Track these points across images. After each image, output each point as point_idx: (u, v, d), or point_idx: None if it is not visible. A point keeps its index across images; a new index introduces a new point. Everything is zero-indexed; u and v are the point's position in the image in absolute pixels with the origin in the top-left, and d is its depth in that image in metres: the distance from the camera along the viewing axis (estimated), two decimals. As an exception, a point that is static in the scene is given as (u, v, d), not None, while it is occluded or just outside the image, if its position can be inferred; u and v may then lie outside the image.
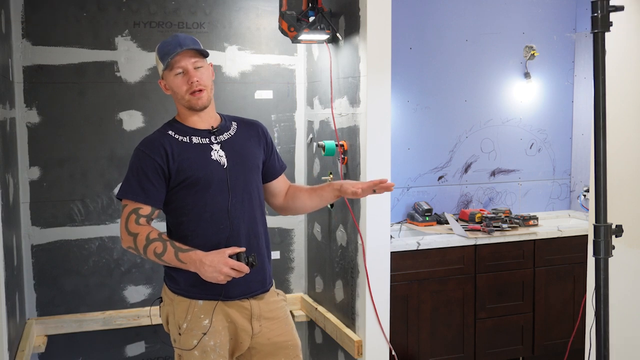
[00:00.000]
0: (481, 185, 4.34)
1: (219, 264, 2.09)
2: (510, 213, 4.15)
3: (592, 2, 1.74)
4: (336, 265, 3.37)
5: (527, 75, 4.35)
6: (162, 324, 2.36)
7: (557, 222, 4.23)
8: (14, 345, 2.88)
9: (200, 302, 2.23)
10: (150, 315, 3.09)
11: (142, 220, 2.17)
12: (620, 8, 1.74)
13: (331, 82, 3.30)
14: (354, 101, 3.08)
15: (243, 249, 2.16)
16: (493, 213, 4.09)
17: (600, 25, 1.73)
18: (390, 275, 3.12)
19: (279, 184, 2.49)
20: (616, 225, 1.78)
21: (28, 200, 3.34)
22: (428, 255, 3.63)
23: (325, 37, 3.19)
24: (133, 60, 3.44)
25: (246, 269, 2.13)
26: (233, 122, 2.38)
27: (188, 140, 2.25)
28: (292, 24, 3.08)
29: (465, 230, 3.81)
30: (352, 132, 3.11)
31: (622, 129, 2.47)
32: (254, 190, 2.31)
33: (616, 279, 2.33)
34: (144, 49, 3.45)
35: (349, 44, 3.11)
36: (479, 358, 3.80)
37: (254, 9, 3.63)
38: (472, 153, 4.29)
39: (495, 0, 4.25)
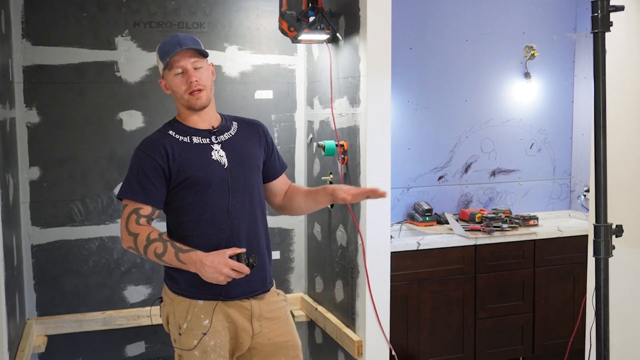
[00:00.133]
0: (481, 185, 4.34)
1: (219, 265, 2.09)
2: (511, 213, 4.15)
3: (592, 2, 1.74)
4: (336, 265, 3.37)
5: (527, 75, 4.35)
6: (162, 324, 2.36)
7: (557, 222, 4.23)
8: (14, 345, 2.88)
9: (201, 302, 2.23)
10: (151, 315, 3.08)
11: (143, 221, 2.17)
12: (620, 8, 1.74)
13: (331, 82, 3.30)
14: (354, 101, 3.08)
15: (243, 250, 2.16)
16: (493, 213, 4.09)
17: (600, 25, 1.73)
18: (390, 275, 3.12)
19: (280, 184, 2.49)
20: (616, 225, 1.78)
21: (28, 200, 3.34)
22: (428, 255, 3.63)
23: (325, 37, 3.19)
24: (133, 60, 3.44)
25: (246, 270, 2.13)
26: (234, 122, 2.38)
27: (188, 140, 2.25)
28: (292, 24, 3.08)
29: (466, 230, 3.81)
30: (352, 132, 3.11)
31: (622, 129, 2.47)
32: (254, 190, 2.31)
33: (616, 279, 2.33)
34: (144, 49, 3.45)
35: (349, 44, 3.11)
36: (479, 358, 3.80)
37: (254, 9, 3.63)
38: (472, 153, 4.29)
39: (495, 0, 4.25)
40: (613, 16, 1.73)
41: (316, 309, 3.58)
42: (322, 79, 3.47)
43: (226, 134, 2.32)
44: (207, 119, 2.30)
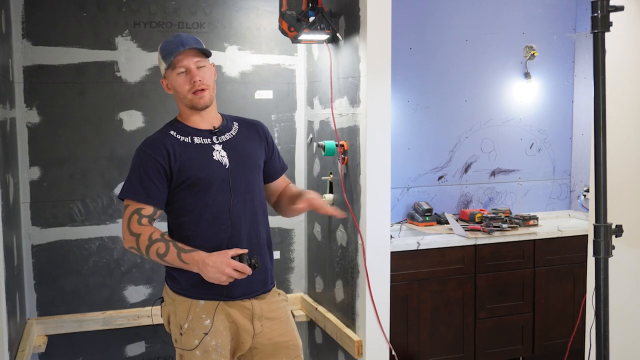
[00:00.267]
0: (481, 185, 4.34)
1: (221, 265, 2.09)
2: (510, 213, 4.15)
3: (592, 2, 1.74)
4: (336, 265, 3.37)
5: (527, 75, 4.35)
6: (163, 324, 2.37)
7: (557, 222, 4.23)
8: (14, 345, 2.88)
9: (202, 302, 2.23)
10: (152, 315, 3.08)
11: (145, 221, 2.17)
12: (620, 8, 1.74)
13: (331, 82, 3.30)
14: (354, 101, 3.08)
15: (245, 250, 2.17)
16: (493, 213, 4.09)
17: (600, 25, 1.73)
18: (390, 275, 3.12)
19: (280, 185, 2.49)
20: (616, 225, 1.78)
21: (28, 200, 3.34)
22: (428, 255, 3.63)
23: (325, 37, 3.19)
24: (133, 60, 3.44)
25: (249, 271, 2.14)
26: (235, 123, 2.38)
27: (190, 141, 2.25)
28: (292, 24, 3.08)
29: (465, 230, 3.81)
30: (352, 132, 3.11)
31: (622, 129, 2.47)
32: (255, 190, 2.31)
33: (616, 279, 2.33)
34: (144, 49, 3.45)
35: (349, 44, 3.11)
36: (479, 358, 3.80)
37: (254, 9, 3.63)
38: (472, 153, 4.29)
39: (495, 0, 4.25)
40: (613, 16, 1.73)
41: (316, 309, 3.58)
42: (322, 79, 3.47)
43: (227, 134, 2.32)
44: (209, 119, 2.30)
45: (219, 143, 2.28)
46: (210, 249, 2.16)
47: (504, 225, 3.87)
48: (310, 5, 3.08)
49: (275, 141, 3.68)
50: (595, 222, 1.78)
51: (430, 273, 3.64)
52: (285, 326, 2.37)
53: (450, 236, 3.74)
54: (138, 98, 3.46)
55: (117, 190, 3.43)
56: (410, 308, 3.61)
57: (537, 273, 3.89)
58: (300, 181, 3.78)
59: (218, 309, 2.23)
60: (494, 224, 3.86)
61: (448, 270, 3.68)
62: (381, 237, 3.05)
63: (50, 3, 3.29)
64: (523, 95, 4.39)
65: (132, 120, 3.46)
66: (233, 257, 2.13)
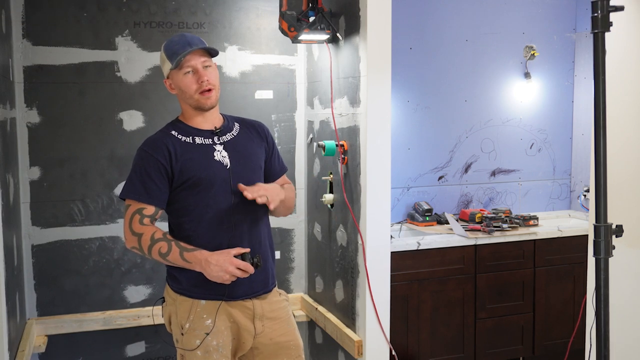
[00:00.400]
0: (481, 185, 4.34)
1: (224, 264, 2.10)
2: (511, 213, 4.15)
3: (592, 2, 1.74)
4: (336, 265, 3.37)
5: (527, 75, 4.35)
6: (163, 324, 2.37)
7: (557, 222, 4.23)
8: (15, 345, 2.88)
9: (203, 302, 2.23)
10: (152, 315, 3.09)
11: (146, 221, 2.17)
12: (620, 8, 1.74)
13: (331, 82, 3.30)
14: (354, 101, 3.08)
15: (248, 250, 2.17)
16: (493, 213, 4.09)
17: (600, 25, 1.73)
18: (391, 275, 3.11)
19: (278, 185, 2.49)
20: (616, 225, 1.78)
21: (28, 200, 3.34)
22: (428, 255, 3.63)
23: (325, 37, 3.19)
24: (133, 60, 3.44)
25: (251, 269, 2.14)
26: (235, 123, 2.38)
27: (191, 141, 2.25)
28: (292, 24, 3.08)
29: (466, 230, 3.81)
30: (352, 132, 3.11)
31: (622, 129, 2.47)
32: (256, 190, 2.31)
33: (616, 279, 2.33)
34: (144, 49, 3.45)
35: (349, 44, 3.11)
36: (479, 358, 3.80)
37: (254, 9, 3.63)
38: (472, 153, 4.29)
39: (495, 0, 4.25)
40: (613, 16, 1.73)
41: (316, 309, 3.58)
42: (322, 79, 3.47)
43: (228, 134, 2.32)
44: (211, 120, 2.30)
45: (220, 143, 2.28)
46: (211, 249, 2.16)
47: (504, 225, 3.87)
48: (310, 5, 3.08)
49: (276, 141, 3.67)
50: (596, 222, 1.78)
51: (430, 273, 3.64)
52: (286, 326, 2.37)
53: (450, 236, 3.74)
54: (138, 98, 3.46)
55: (117, 190, 3.43)
56: (411, 308, 3.61)
57: (537, 273, 3.89)
58: (300, 181, 3.79)
59: (219, 309, 2.23)
60: (494, 224, 3.86)
61: (448, 270, 3.68)
62: (381, 237, 3.05)
63: (50, 3, 3.29)
64: (523, 95, 4.39)
65: (132, 120, 3.46)
66: (235, 256, 2.13)
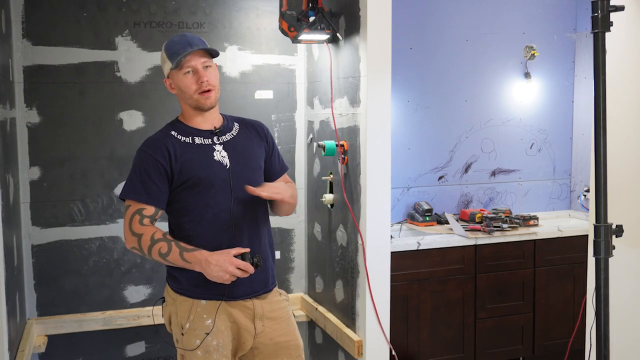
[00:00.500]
0: (481, 185, 4.34)
1: (224, 263, 2.10)
2: (511, 213, 4.15)
3: (592, 2, 1.74)
4: (336, 265, 3.37)
5: (527, 75, 4.35)
6: (163, 324, 2.37)
7: (558, 222, 4.23)
8: (15, 345, 2.88)
9: (203, 302, 2.23)
10: (152, 315, 3.09)
11: (146, 221, 2.17)
12: (620, 8, 1.74)
13: (331, 82, 3.30)
14: (354, 101, 3.08)
15: (247, 250, 2.17)
16: (493, 213, 4.09)
17: (600, 25, 1.73)
18: (391, 275, 3.11)
19: (280, 185, 2.49)
20: (616, 225, 1.78)
21: (28, 200, 3.34)
22: (428, 255, 3.63)
23: (325, 37, 3.19)
24: (133, 60, 3.44)
25: (251, 269, 2.14)
26: (235, 123, 2.38)
27: (190, 141, 2.25)
28: (292, 24, 3.08)
29: (466, 230, 3.81)
30: (352, 132, 3.11)
31: (622, 129, 2.47)
32: (256, 190, 2.31)
33: (616, 279, 2.33)
34: (144, 49, 3.45)
35: (349, 44, 3.11)
36: (479, 358, 3.80)
37: (254, 9, 3.63)
38: (472, 153, 4.29)
39: (495, 0, 4.25)
40: (613, 16, 1.73)
41: (316, 309, 3.58)
42: (322, 79, 3.47)
43: (228, 134, 2.32)
44: (210, 120, 2.30)
45: (220, 143, 2.28)
46: (211, 249, 2.16)
47: (504, 225, 3.87)
48: (310, 5, 3.08)
49: (276, 141, 3.68)
50: (596, 222, 1.78)
51: (430, 273, 3.64)
52: (286, 326, 2.37)
53: (450, 236, 3.74)
54: (138, 98, 3.46)
55: (117, 190, 3.43)
56: (411, 308, 3.61)
57: (537, 273, 3.89)
58: (300, 181, 3.78)
59: (219, 309, 2.23)
60: (494, 224, 3.86)
61: (448, 270, 3.68)
62: (381, 237, 3.05)
63: (50, 3, 3.29)
64: (523, 95, 4.39)
65: (132, 120, 3.46)
66: (235, 256, 2.13)
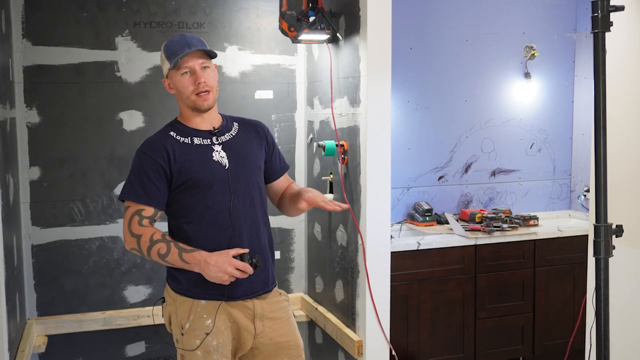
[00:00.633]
0: (481, 185, 4.34)
1: (223, 264, 2.10)
2: (511, 213, 4.15)
3: (592, 2, 1.74)
4: (336, 265, 3.37)
5: (527, 75, 4.35)
6: (163, 324, 2.37)
7: (558, 222, 4.23)
8: (15, 345, 2.88)
9: (203, 302, 2.23)
10: (152, 315, 3.09)
11: (145, 222, 2.17)
12: (620, 8, 1.74)
13: (331, 82, 3.30)
14: (354, 101, 3.08)
15: (247, 250, 2.17)
16: (493, 213, 4.09)
17: (600, 25, 1.73)
18: (391, 275, 3.11)
19: (282, 184, 2.49)
20: (616, 225, 1.78)
21: (28, 200, 3.34)
22: (428, 255, 3.63)
23: (325, 37, 3.19)
24: (133, 60, 3.44)
25: (250, 270, 2.14)
26: (234, 123, 2.38)
27: (189, 142, 2.25)
28: (292, 24, 3.08)
29: (466, 230, 3.81)
30: (352, 132, 3.11)
31: (622, 129, 2.47)
32: (255, 190, 2.31)
33: (616, 279, 2.33)
34: (144, 49, 3.45)
35: (349, 44, 3.11)
36: (479, 358, 3.80)
37: (254, 9, 3.63)
38: (472, 153, 4.29)
39: (495, 0, 4.25)
40: (613, 16, 1.73)
41: (316, 309, 3.58)
42: (322, 79, 3.47)
43: (227, 134, 2.32)
44: (209, 120, 2.30)
45: (219, 144, 2.28)
46: (210, 250, 2.16)
47: (504, 225, 3.87)
48: (310, 5, 3.08)
49: (276, 141, 3.68)
50: (596, 222, 1.78)
51: (430, 273, 3.64)
52: (286, 326, 2.37)
53: (450, 236, 3.74)
54: (138, 98, 3.46)
55: (117, 190, 3.43)
56: (411, 308, 3.61)
57: (537, 273, 3.89)
58: (300, 181, 3.78)
59: (219, 309, 2.23)
60: (494, 224, 3.86)
61: (448, 270, 3.68)
62: (381, 237, 3.05)
63: (50, 3, 3.29)
64: (523, 95, 4.39)
65: (132, 120, 3.46)
66: (234, 257, 2.13)
